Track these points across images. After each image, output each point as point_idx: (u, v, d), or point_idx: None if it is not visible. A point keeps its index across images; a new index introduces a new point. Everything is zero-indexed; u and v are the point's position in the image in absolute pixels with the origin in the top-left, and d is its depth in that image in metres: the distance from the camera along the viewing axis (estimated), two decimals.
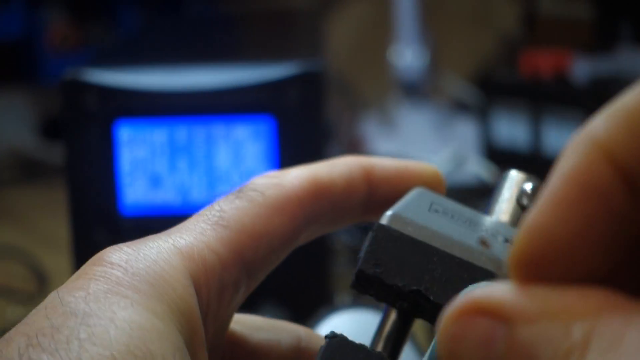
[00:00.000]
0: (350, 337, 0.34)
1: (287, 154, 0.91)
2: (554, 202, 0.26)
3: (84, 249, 0.92)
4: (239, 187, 0.37)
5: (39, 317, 0.30)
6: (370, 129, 1.49)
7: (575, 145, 0.25)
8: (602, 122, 0.25)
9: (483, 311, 0.26)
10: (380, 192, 0.39)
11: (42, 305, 0.30)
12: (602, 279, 0.26)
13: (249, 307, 0.39)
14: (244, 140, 0.91)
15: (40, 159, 1.57)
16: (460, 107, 1.53)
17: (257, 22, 1.46)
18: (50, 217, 1.31)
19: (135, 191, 0.92)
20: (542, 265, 0.26)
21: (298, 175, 0.38)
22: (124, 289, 0.30)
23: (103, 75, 0.92)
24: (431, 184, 0.39)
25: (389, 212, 0.36)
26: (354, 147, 1.38)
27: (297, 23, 1.37)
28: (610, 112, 0.25)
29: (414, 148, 1.42)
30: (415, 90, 1.50)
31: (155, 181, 0.92)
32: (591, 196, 0.25)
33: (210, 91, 0.90)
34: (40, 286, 1.12)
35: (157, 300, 0.31)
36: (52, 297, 0.30)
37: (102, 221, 0.91)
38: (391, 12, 1.52)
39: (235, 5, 1.86)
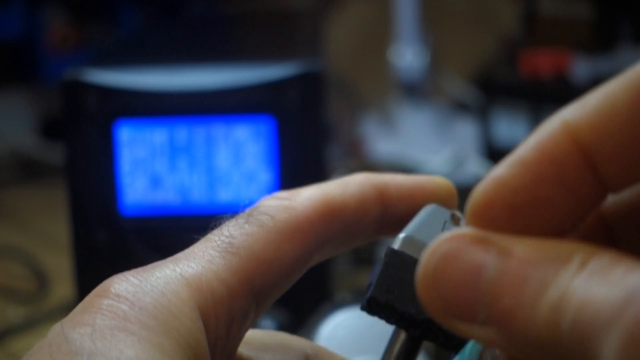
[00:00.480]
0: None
1: (287, 154, 0.91)
2: (516, 162, 0.29)
3: (84, 249, 0.92)
4: (248, 210, 0.36)
5: (42, 355, 0.29)
6: (371, 129, 1.49)
7: (547, 122, 0.29)
8: (575, 106, 0.29)
9: (478, 238, 0.29)
10: (393, 211, 0.38)
11: (45, 342, 0.30)
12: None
13: None
14: (244, 141, 0.91)
15: (40, 159, 1.57)
16: (460, 107, 1.53)
17: (257, 22, 1.46)
18: (50, 217, 1.31)
19: (135, 191, 0.92)
20: (497, 212, 0.29)
21: (309, 197, 0.37)
22: (131, 325, 0.30)
23: (103, 75, 0.92)
24: (444, 198, 0.39)
25: (401, 235, 0.35)
26: (354, 147, 1.38)
27: (297, 23, 1.37)
28: (584, 99, 0.29)
29: (414, 148, 1.42)
30: (415, 90, 1.50)
31: (155, 181, 0.92)
32: (548, 162, 0.29)
33: (211, 91, 0.90)
34: (40, 286, 1.12)
35: (165, 336, 0.30)
36: (56, 333, 0.30)
37: (102, 221, 0.91)
38: (391, 12, 1.52)
39: (235, 5, 1.86)
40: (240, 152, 0.91)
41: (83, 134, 0.91)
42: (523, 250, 0.28)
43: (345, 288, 0.98)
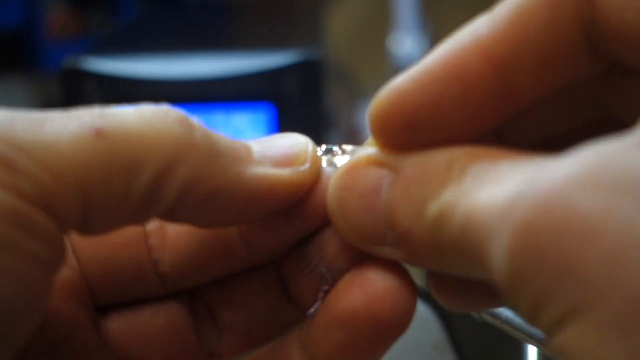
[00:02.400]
0: None
1: None
2: (420, 76, 0.30)
3: None
4: None
5: None
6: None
7: (458, 36, 0.29)
8: (487, 21, 0.29)
9: (372, 162, 0.30)
10: None
11: None
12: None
13: None
14: (244, 128, 0.91)
15: None
16: None
17: (257, 10, 1.46)
18: None
19: None
20: (396, 128, 0.30)
21: None
22: None
23: (102, 63, 0.92)
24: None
25: None
26: (353, 135, 1.38)
27: (297, 11, 1.37)
28: (495, 13, 0.29)
29: None
30: None
31: None
32: (456, 80, 0.29)
33: (210, 79, 0.90)
34: None
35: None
36: None
37: None
38: (390, 0, 1.52)
39: None
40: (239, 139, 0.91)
41: None
42: (409, 166, 0.29)
43: None
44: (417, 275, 0.35)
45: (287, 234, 0.34)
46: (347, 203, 0.31)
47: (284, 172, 0.32)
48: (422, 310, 0.57)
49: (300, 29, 1.19)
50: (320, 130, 0.91)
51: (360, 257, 0.32)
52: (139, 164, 0.29)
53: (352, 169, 0.31)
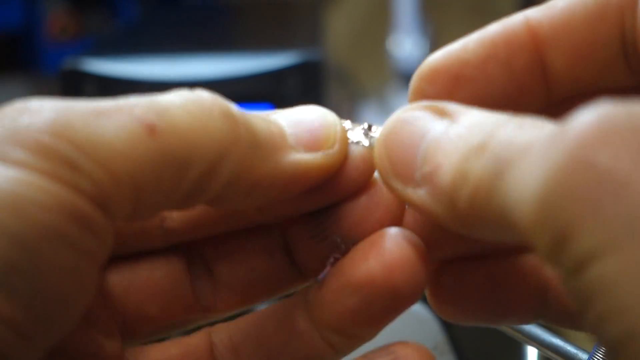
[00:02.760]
0: None
1: None
2: (473, 40, 0.33)
3: None
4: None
5: None
6: (369, 119, 1.49)
7: (512, 16, 0.32)
8: (541, 7, 0.32)
9: (429, 107, 0.31)
10: None
11: None
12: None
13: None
14: None
15: None
16: None
17: (256, 12, 1.46)
18: None
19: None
20: (442, 79, 0.32)
21: None
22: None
23: (102, 65, 0.92)
24: None
25: None
26: None
27: (297, 13, 1.37)
28: (552, 1, 0.32)
29: None
30: None
31: None
32: (503, 44, 0.32)
33: (210, 81, 0.90)
34: None
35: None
36: None
37: None
38: (390, 2, 1.52)
39: None
40: None
41: None
42: (468, 119, 0.30)
43: None
44: None
45: (305, 205, 0.35)
46: (396, 135, 0.32)
47: (316, 157, 0.33)
48: (423, 312, 0.57)
49: (300, 30, 1.19)
50: None
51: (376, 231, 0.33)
52: (187, 161, 0.30)
53: (404, 113, 0.32)
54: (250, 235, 0.36)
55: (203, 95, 0.32)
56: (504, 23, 0.32)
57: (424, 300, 0.57)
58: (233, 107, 0.32)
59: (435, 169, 0.30)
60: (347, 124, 0.35)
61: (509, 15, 0.33)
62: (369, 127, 0.35)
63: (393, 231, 0.32)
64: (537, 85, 0.32)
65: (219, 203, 0.32)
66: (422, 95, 0.33)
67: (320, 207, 0.35)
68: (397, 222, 0.34)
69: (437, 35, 1.53)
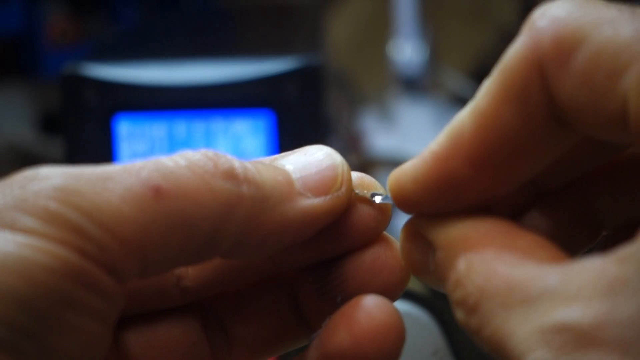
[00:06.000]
0: None
1: (287, 148, 0.90)
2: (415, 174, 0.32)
3: None
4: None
5: None
6: (370, 124, 1.49)
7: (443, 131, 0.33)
8: (466, 117, 0.32)
9: (418, 233, 0.33)
10: None
11: None
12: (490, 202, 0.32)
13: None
14: (243, 135, 0.91)
15: (39, 153, 1.57)
16: (459, 102, 1.53)
17: (256, 16, 1.46)
18: None
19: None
20: (406, 206, 0.33)
21: None
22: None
23: (102, 69, 0.92)
24: None
25: None
26: (354, 141, 1.38)
27: (297, 17, 1.37)
28: (472, 109, 0.32)
29: (413, 143, 1.42)
30: (414, 85, 1.50)
31: None
32: (444, 179, 0.32)
33: (210, 85, 0.90)
34: None
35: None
36: None
37: None
38: (391, 7, 1.52)
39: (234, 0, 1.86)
40: (239, 146, 0.91)
41: (82, 128, 0.91)
42: (440, 244, 0.31)
43: None
44: (417, 281, 0.35)
45: (314, 252, 0.35)
46: (412, 265, 0.34)
47: (324, 201, 0.34)
48: (422, 317, 0.57)
49: (301, 35, 1.19)
50: (320, 136, 0.91)
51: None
52: (194, 223, 0.31)
53: (407, 235, 0.34)
54: (260, 292, 0.37)
55: (208, 154, 0.32)
56: (441, 154, 0.32)
57: (424, 304, 0.57)
58: (237, 163, 0.33)
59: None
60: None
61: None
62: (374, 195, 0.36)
63: (366, 301, 0.33)
64: (495, 188, 0.32)
65: (230, 256, 0.33)
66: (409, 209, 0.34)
67: (331, 256, 0.36)
68: (402, 284, 0.35)
69: (436, 40, 1.53)
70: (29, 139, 1.63)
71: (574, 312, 0.25)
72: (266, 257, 0.35)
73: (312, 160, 0.35)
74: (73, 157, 0.92)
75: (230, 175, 0.32)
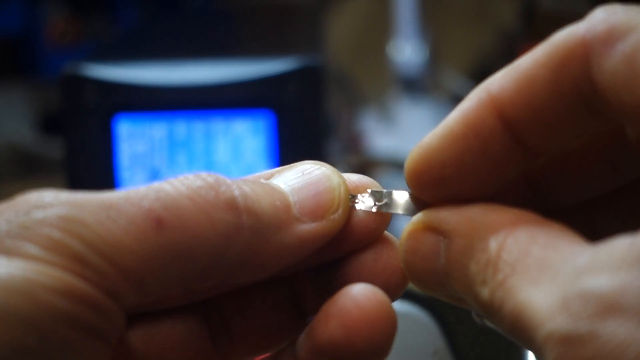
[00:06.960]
0: None
1: (287, 148, 0.91)
2: (443, 134, 0.33)
3: None
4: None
5: None
6: (370, 124, 1.49)
7: (474, 92, 0.33)
8: (499, 76, 0.32)
9: (427, 227, 0.33)
10: None
11: None
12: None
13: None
14: (243, 135, 0.91)
15: (39, 154, 1.57)
16: (459, 102, 1.53)
17: (256, 17, 1.46)
18: None
19: (134, 185, 0.92)
20: (428, 183, 0.33)
21: None
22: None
23: (102, 69, 0.92)
24: None
25: None
26: (354, 142, 1.38)
27: (297, 18, 1.37)
28: (506, 69, 0.32)
29: (413, 143, 1.41)
30: (414, 86, 1.50)
31: (155, 175, 0.92)
32: (472, 133, 0.32)
33: (210, 86, 0.90)
34: None
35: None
36: None
37: None
38: (391, 8, 1.52)
39: (234, 0, 1.86)
40: (239, 146, 0.91)
41: (82, 128, 0.91)
42: (458, 238, 0.32)
43: None
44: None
45: (312, 260, 0.36)
46: (413, 264, 0.34)
47: (320, 225, 0.34)
48: (422, 316, 0.57)
49: (301, 35, 1.19)
50: (320, 137, 0.91)
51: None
52: (193, 255, 0.32)
53: (412, 233, 0.34)
54: (262, 291, 0.37)
55: (208, 181, 0.33)
56: (469, 109, 0.32)
57: (423, 303, 0.57)
58: (237, 191, 0.33)
59: (463, 299, 0.32)
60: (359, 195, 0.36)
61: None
62: (377, 194, 0.36)
63: (355, 289, 0.33)
64: (514, 156, 0.32)
65: (229, 280, 0.34)
66: (416, 192, 0.34)
67: (333, 259, 0.36)
68: (404, 283, 0.35)
69: (436, 41, 1.53)
70: (29, 139, 1.63)
71: (599, 281, 0.26)
72: (265, 278, 0.36)
73: (309, 182, 0.36)
74: (73, 157, 0.92)
75: (231, 206, 0.32)
